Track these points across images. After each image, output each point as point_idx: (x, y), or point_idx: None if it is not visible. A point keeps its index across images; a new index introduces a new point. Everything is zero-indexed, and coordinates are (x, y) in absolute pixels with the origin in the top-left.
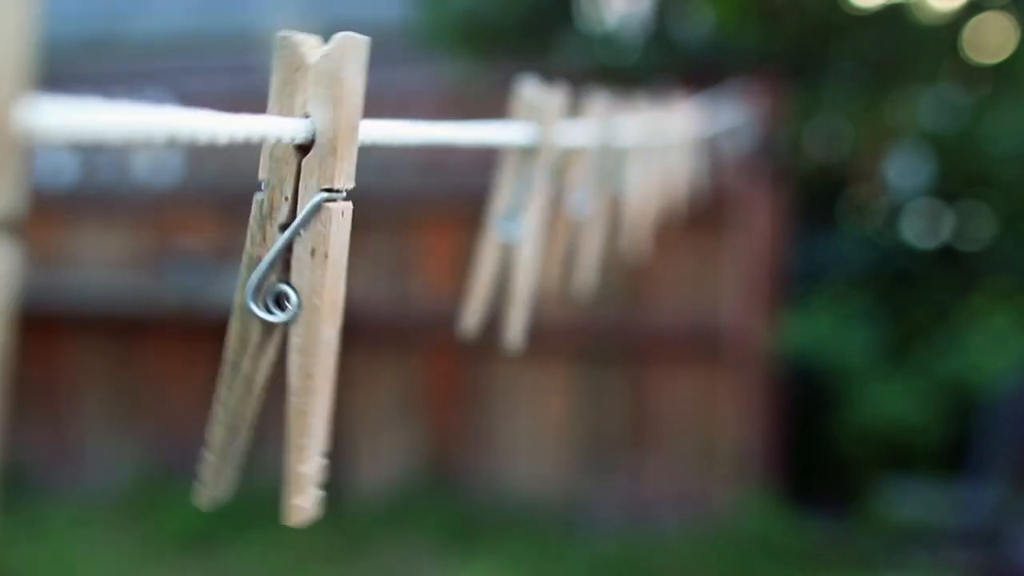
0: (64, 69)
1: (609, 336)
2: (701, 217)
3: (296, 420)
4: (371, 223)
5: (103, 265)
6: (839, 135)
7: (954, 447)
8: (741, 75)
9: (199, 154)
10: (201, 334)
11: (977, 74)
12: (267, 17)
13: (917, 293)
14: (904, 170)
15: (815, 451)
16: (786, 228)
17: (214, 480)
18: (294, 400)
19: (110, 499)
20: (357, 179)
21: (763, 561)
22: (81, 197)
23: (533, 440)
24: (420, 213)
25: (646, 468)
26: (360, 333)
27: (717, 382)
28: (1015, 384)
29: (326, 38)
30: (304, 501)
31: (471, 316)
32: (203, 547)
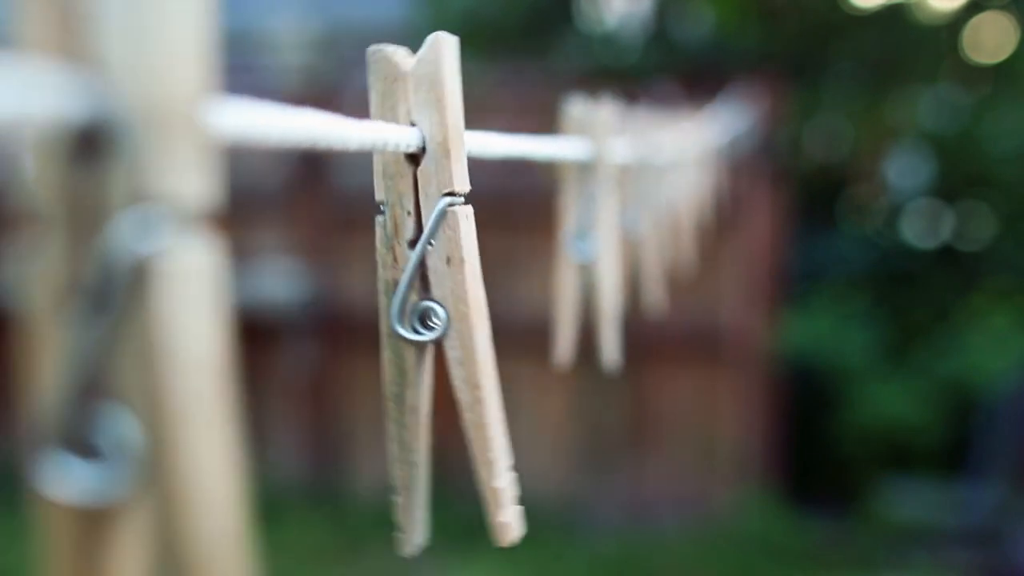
0: None
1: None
2: (697, 224)
3: (477, 435)
4: (371, 223)
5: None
6: (839, 135)
7: (954, 447)
8: (741, 75)
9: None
10: None
11: (977, 74)
12: (267, 17)
13: (917, 293)
14: (904, 170)
15: (815, 451)
16: (786, 228)
17: (411, 523)
18: (468, 416)
19: None
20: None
21: (763, 561)
22: None
23: (533, 440)
24: None
25: (646, 468)
26: (360, 333)
27: (717, 382)
28: (1015, 384)
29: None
30: (509, 517)
31: (563, 342)
32: None
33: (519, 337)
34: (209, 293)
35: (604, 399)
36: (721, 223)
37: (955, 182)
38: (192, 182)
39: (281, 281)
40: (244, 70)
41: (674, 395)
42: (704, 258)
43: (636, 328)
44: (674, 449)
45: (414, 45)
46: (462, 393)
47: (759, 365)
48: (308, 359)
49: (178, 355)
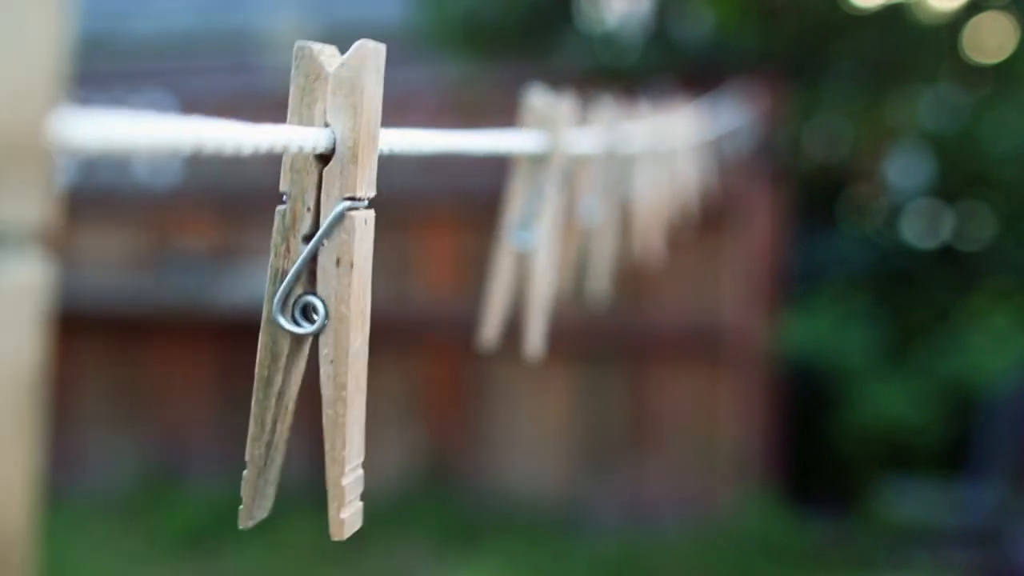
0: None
1: (609, 336)
2: (701, 217)
3: (333, 432)
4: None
5: (103, 265)
6: (839, 135)
7: (954, 447)
8: (741, 75)
9: (194, 155)
10: (201, 334)
11: (977, 74)
12: (267, 17)
13: (917, 293)
14: (904, 170)
15: (815, 451)
16: (786, 228)
17: (254, 499)
18: (328, 412)
19: (110, 499)
20: None
21: (763, 561)
22: (81, 197)
23: (533, 440)
24: (420, 213)
25: (646, 468)
26: None
27: (717, 382)
28: (1015, 384)
29: (326, 38)
30: (348, 513)
31: (490, 326)
32: (203, 547)
33: (519, 337)
34: (29, 310)
35: (604, 399)
36: (721, 222)
37: (955, 182)
38: (25, 204)
39: None
40: (244, 70)
41: (674, 395)
42: (704, 258)
43: (636, 328)
44: (674, 449)
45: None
46: (326, 389)
47: (759, 365)
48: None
49: None
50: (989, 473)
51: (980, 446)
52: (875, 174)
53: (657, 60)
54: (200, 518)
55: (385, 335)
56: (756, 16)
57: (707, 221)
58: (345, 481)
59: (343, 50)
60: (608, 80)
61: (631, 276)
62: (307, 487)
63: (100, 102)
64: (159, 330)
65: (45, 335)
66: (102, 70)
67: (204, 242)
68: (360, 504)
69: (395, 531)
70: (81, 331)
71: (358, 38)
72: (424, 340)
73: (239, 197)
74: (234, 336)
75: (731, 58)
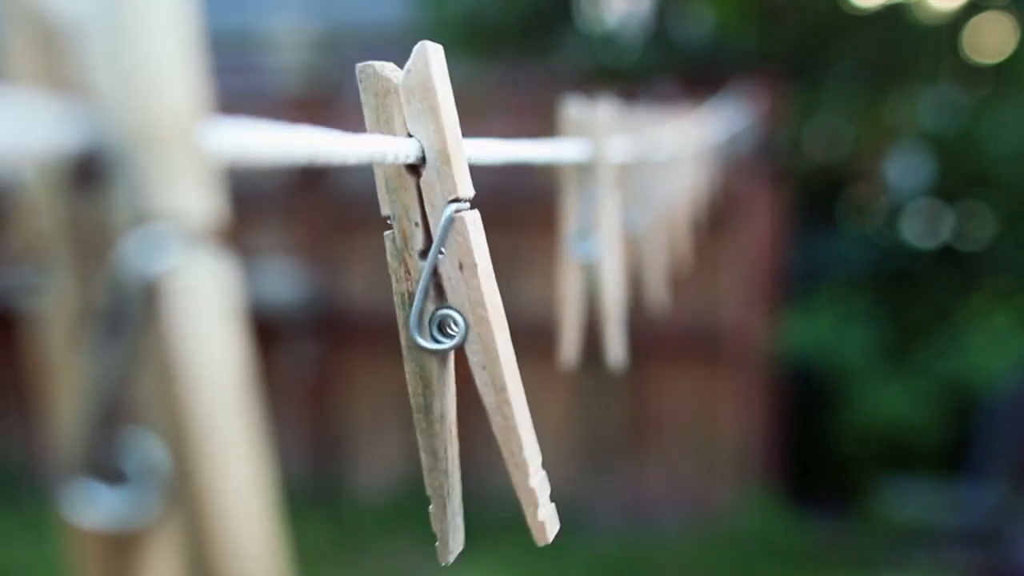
0: None
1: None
2: (696, 221)
3: (507, 437)
4: (370, 223)
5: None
6: (839, 135)
7: (954, 447)
8: (741, 75)
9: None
10: None
11: (977, 74)
12: (267, 17)
13: (917, 293)
14: (904, 170)
15: (815, 451)
16: (786, 228)
17: (448, 532)
18: (497, 418)
19: None
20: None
21: (763, 561)
22: None
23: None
24: None
25: (646, 468)
26: (360, 333)
27: (717, 382)
28: (1015, 384)
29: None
30: (545, 514)
31: (568, 343)
32: None
33: (519, 337)
34: (222, 306)
35: (604, 399)
36: (721, 222)
37: (955, 182)
38: (194, 198)
39: (281, 281)
40: (244, 70)
41: (674, 395)
42: (704, 258)
43: (636, 328)
44: (674, 449)
45: (413, 45)
46: (488, 396)
47: (759, 365)
48: (308, 359)
49: (196, 371)
50: (989, 473)
51: (980, 446)
52: (875, 174)
53: (657, 60)
54: None
55: (385, 335)
56: (756, 16)
57: (707, 221)
58: (532, 483)
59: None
60: (608, 80)
61: (633, 274)
62: (307, 487)
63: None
64: None
65: (243, 331)
66: None
67: None
68: (552, 505)
69: (395, 531)
70: None
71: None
72: None
73: (239, 197)
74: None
75: (731, 58)
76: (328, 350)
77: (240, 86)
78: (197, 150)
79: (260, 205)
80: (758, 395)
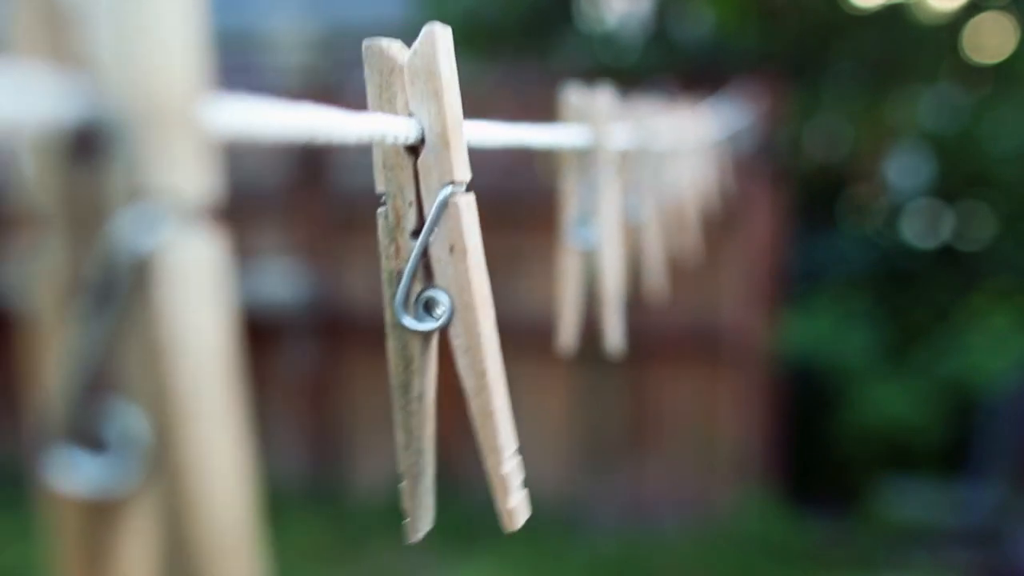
0: None
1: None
2: (702, 218)
3: (484, 422)
4: (370, 223)
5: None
6: (839, 135)
7: (954, 447)
8: (741, 75)
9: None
10: None
11: (977, 74)
12: (267, 17)
13: (917, 293)
14: (904, 170)
15: (815, 451)
16: (786, 228)
17: (417, 510)
18: (475, 403)
19: None
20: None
21: (763, 561)
22: None
23: (533, 440)
24: None
25: (646, 468)
26: (360, 333)
27: (717, 382)
28: (1015, 384)
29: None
30: (515, 502)
31: (567, 330)
32: None
33: (519, 337)
34: (212, 286)
35: (604, 399)
36: (722, 221)
37: (955, 182)
38: (191, 177)
39: (281, 281)
40: (244, 70)
41: (674, 395)
42: (704, 258)
43: (637, 328)
44: (674, 449)
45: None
46: (468, 380)
47: (759, 365)
48: (308, 359)
49: (183, 347)
50: (989, 473)
51: (980, 446)
52: (875, 174)
53: (657, 60)
54: None
55: (384, 335)
56: (756, 16)
57: (707, 221)
58: (505, 470)
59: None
60: (608, 80)
61: (633, 262)
62: (307, 487)
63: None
64: None
65: (232, 312)
66: None
67: None
68: (524, 492)
69: (395, 531)
70: None
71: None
72: None
73: (239, 197)
74: (237, 332)
75: (731, 58)
76: (328, 350)
77: (240, 86)
78: (196, 128)
79: (260, 205)
80: (758, 395)
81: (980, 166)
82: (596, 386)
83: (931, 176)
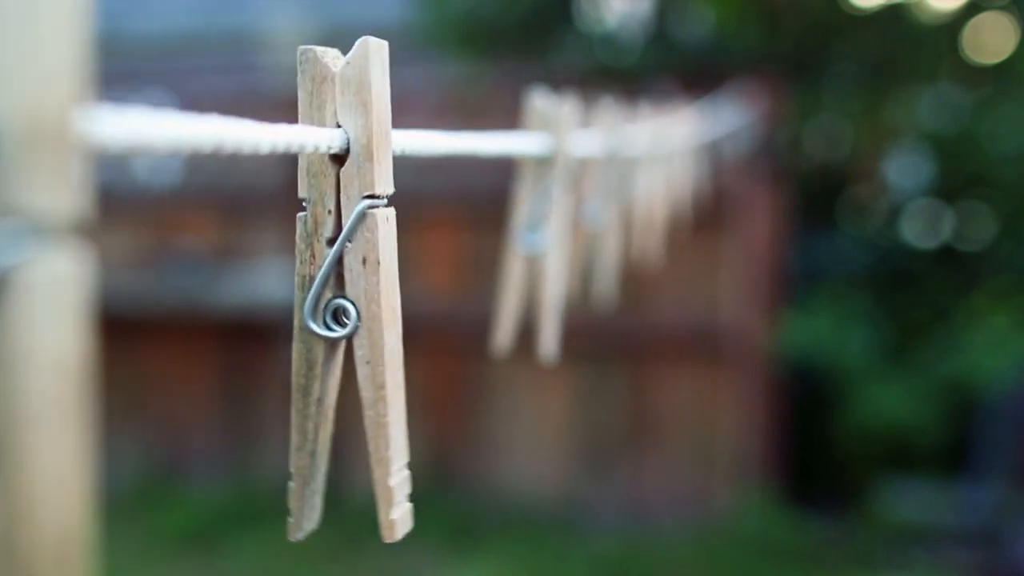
0: None
1: (609, 336)
2: (701, 217)
3: (376, 433)
4: None
5: (103, 265)
6: (839, 135)
7: (954, 447)
8: (741, 75)
9: (199, 154)
10: (201, 334)
11: (977, 74)
12: (267, 17)
13: (917, 293)
14: (904, 170)
15: (815, 451)
16: (786, 228)
17: (303, 510)
18: (370, 413)
19: (110, 498)
20: None
21: (763, 561)
22: None
23: (533, 440)
24: (420, 213)
25: (646, 468)
26: None
27: (717, 382)
28: (1015, 384)
29: (326, 38)
30: (398, 514)
31: (503, 331)
32: (203, 547)
33: (519, 338)
34: (70, 302)
35: (604, 399)
36: (721, 222)
37: (955, 182)
38: (58, 195)
39: (281, 281)
40: (244, 70)
41: (674, 395)
42: (704, 258)
43: (636, 328)
44: (674, 449)
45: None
46: (365, 391)
47: (759, 365)
48: None
49: (33, 361)
50: (989, 473)
51: (980, 446)
52: (875, 174)
53: (657, 60)
54: (200, 518)
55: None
56: (756, 16)
57: (707, 221)
58: (392, 482)
59: (344, 50)
60: (608, 80)
61: (631, 276)
62: None
63: (100, 102)
64: (159, 330)
65: (88, 329)
66: (102, 70)
67: (204, 242)
68: (409, 505)
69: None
70: None
71: (358, 38)
72: (424, 340)
73: (239, 197)
74: (234, 336)
75: (731, 58)
76: None
77: (240, 86)
78: (70, 147)
79: (260, 205)
80: (758, 395)
81: (980, 166)
82: (596, 386)
83: (931, 176)
